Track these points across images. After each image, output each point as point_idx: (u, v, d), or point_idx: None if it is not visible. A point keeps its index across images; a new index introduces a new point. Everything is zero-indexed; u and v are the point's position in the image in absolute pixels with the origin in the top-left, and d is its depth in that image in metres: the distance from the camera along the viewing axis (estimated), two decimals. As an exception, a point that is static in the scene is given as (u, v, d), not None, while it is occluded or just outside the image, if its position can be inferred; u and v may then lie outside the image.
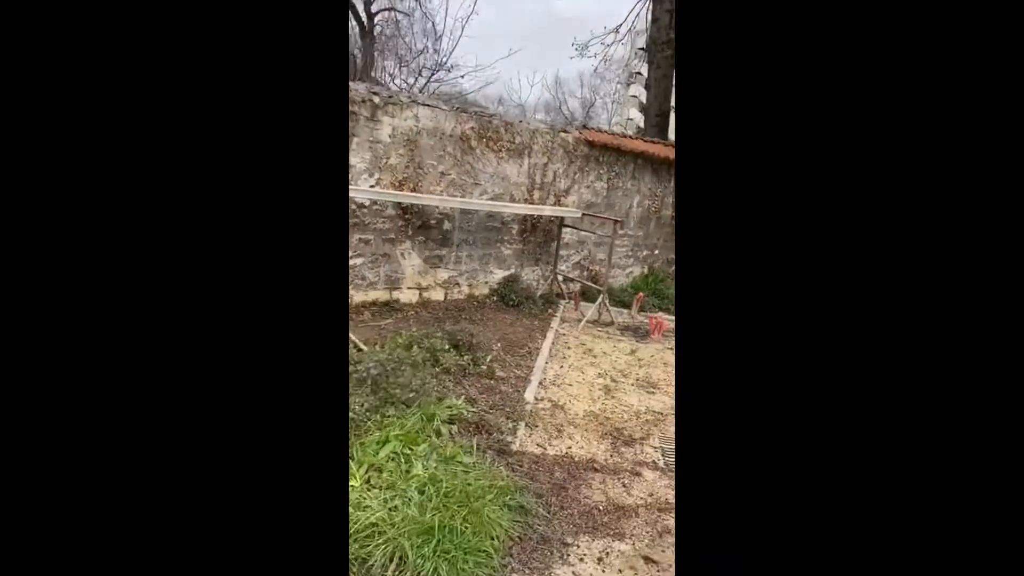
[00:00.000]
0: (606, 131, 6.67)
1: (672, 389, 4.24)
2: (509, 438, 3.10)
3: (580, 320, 5.75)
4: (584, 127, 6.48)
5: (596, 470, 2.95)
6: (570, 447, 3.17)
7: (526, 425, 3.34)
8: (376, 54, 12.90)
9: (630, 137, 6.90)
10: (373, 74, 12.94)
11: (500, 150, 5.68)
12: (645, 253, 7.56)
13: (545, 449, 3.11)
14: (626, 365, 4.68)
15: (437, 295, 5.68)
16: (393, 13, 13.79)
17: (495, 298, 5.97)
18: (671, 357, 5.00)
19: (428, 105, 5.12)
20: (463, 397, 3.43)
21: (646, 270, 7.62)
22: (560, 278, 6.60)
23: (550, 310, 6.04)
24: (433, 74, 13.37)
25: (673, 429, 3.57)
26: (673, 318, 6.38)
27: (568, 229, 6.53)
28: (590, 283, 6.57)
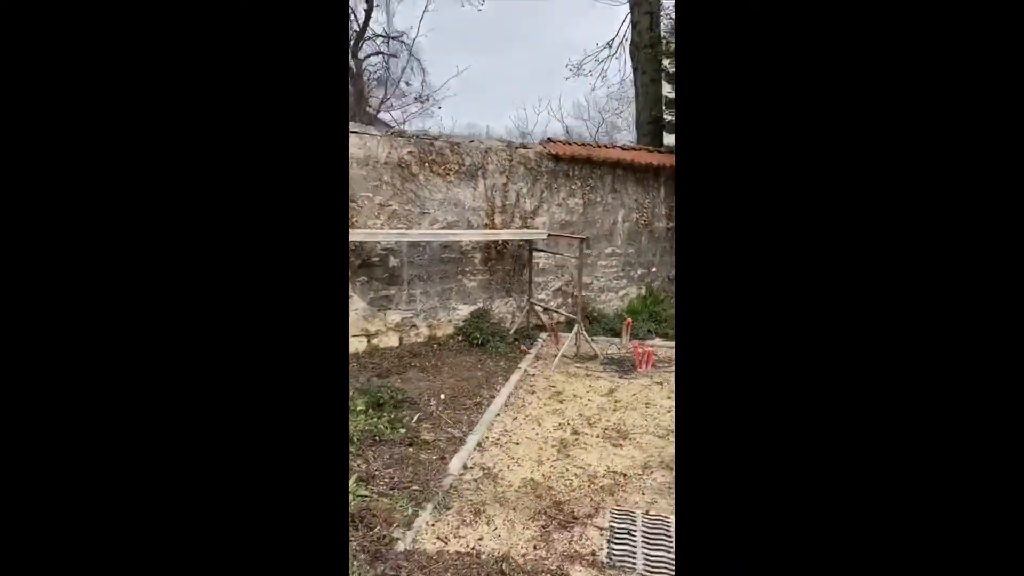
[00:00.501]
0: (575, 142, 6.02)
1: (646, 438, 3.42)
2: (398, 532, 2.38)
3: (564, 354, 4.99)
4: (548, 140, 5.87)
5: (503, 574, 2.18)
6: (482, 538, 2.41)
7: (435, 508, 2.60)
8: (366, 96, 12.82)
9: (604, 146, 6.23)
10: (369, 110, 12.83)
11: (448, 174, 5.11)
12: (640, 272, 6.75)
13: (446, 543, 2.36)
14: (597, 410, 3.88)
15: (390, 340, 5.05)
16: (383, 57, 13.80)
17: (460, 338, 5.30)
18: (656, 395, 4.17)
19: (355, 132, 4.63)
20: (356, 476, 2.74)
21: (643, 291, 6.80)
22: (540, 308, 5.88)
23: (523, 346, 5.30)
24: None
25: (634, 499, 2.75)
26: (670, 344, 5.53)
27: (544, 253, 5.85)
28: (571, 312, 5.82)
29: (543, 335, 5.66)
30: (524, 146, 5.64)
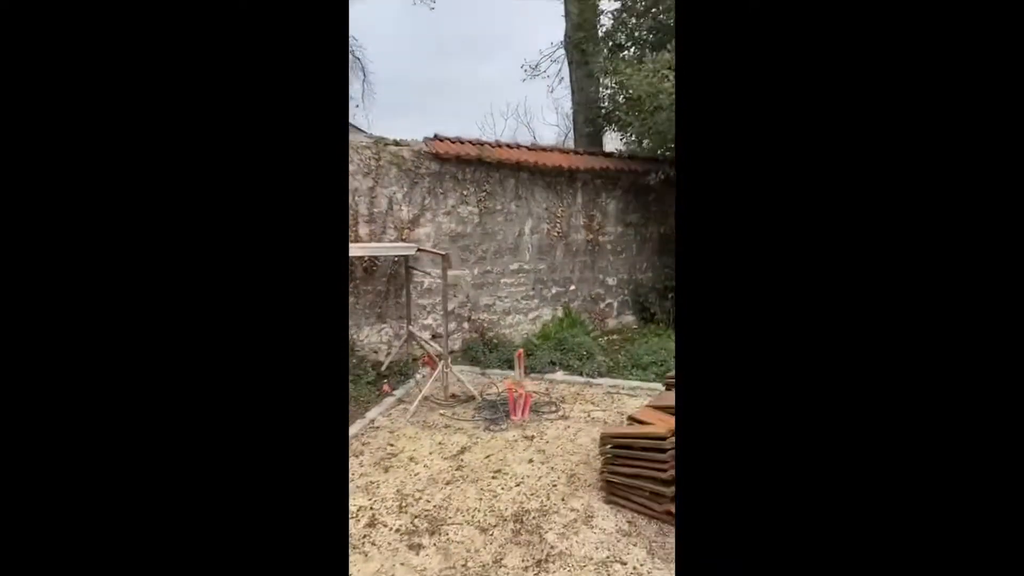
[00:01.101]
0: (466, 140, 5.14)
1: (463, 534, 2.48)
2: None
3: (434, 396, 4.06)
4: (435, 136, 4.98)
5: None
6: None
7: None
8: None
9: (506, 145, 5.35)
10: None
11: (288, 176, 4.20)
12: (555, 291, 5.86)
13: None
14: (425, 483, 2.95)
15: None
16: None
17: (311, 376, 4.36)
18: (516, 456, 3.25)
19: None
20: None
21: (560, 312, 5.90)
22: (425, 336, 4.96)
23: (388, 385, 4.36)
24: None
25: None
26: (572, 379, 4.62)
27: (434, 272, 4.94)
28: (468, 338, 4.89)
29: (426, 370, 4.74)
30: (397, 143, 4.75)
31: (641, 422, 2.90)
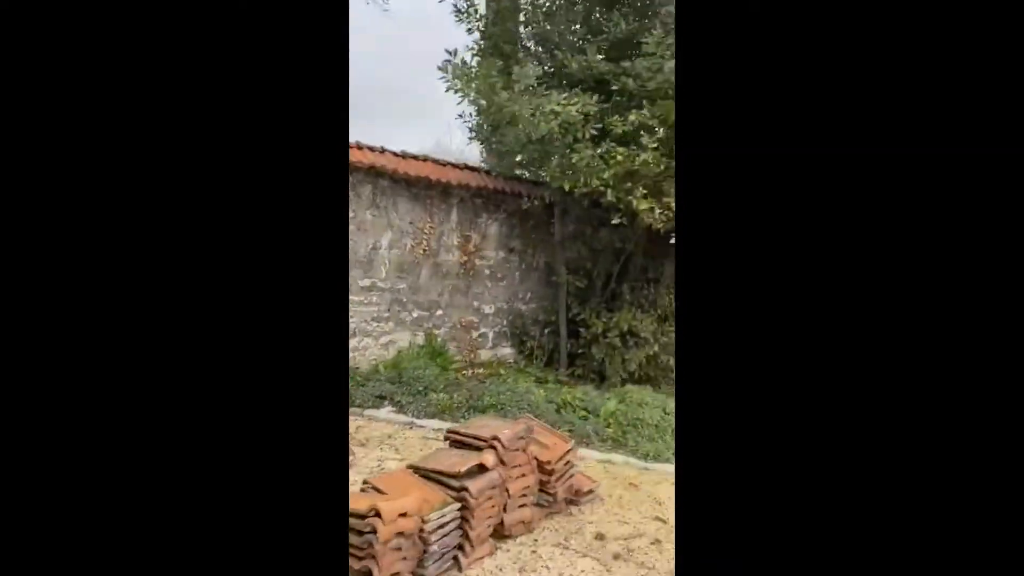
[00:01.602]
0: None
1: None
2: None
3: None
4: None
5: None
6: None
7: None
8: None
9: (367, 148, 4.80)
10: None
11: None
12: (418, 314, 5.27)
13: None
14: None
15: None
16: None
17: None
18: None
19: None
20: None
21: (420, 339, 5.31)
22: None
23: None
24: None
25: None
26: (400, 418, 4.02)
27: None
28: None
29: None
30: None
31: (377, 490, 2.31)
